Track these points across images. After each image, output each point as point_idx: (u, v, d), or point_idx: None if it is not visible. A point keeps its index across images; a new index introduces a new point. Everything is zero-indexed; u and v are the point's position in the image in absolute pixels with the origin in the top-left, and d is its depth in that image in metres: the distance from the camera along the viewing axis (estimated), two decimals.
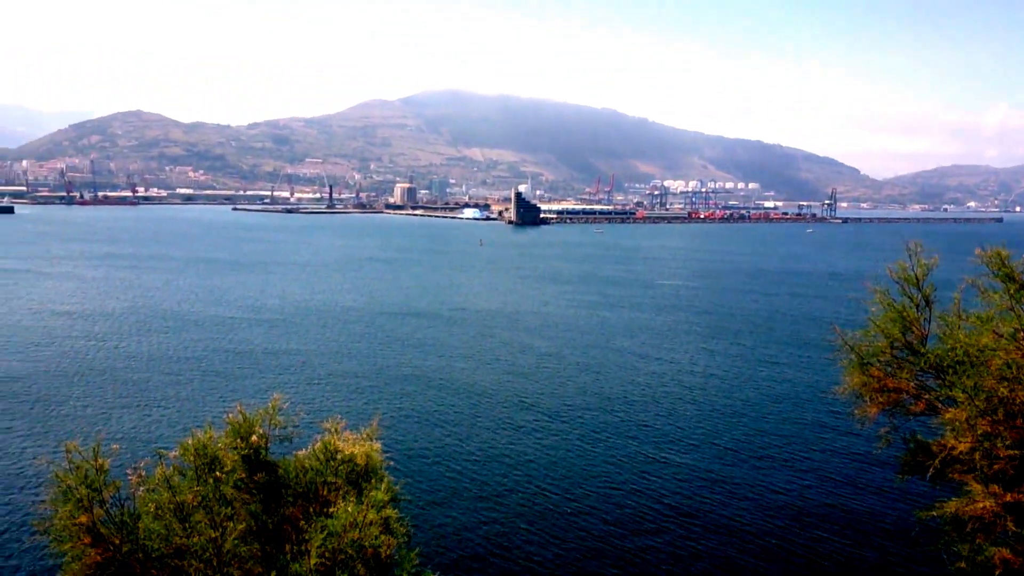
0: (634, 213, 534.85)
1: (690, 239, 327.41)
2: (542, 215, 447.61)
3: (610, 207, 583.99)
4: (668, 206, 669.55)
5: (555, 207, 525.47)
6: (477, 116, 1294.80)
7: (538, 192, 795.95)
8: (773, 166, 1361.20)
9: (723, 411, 63.05)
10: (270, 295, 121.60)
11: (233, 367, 74.13)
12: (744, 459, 51.90)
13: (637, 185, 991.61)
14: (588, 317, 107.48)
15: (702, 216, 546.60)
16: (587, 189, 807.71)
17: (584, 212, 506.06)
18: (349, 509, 16.13)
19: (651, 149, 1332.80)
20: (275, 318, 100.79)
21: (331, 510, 16.13)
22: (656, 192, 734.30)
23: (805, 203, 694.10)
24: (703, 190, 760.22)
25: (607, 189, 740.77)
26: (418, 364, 77.01)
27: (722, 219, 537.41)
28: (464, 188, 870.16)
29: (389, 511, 17.29)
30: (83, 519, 15.31)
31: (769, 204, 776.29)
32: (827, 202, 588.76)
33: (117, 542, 15.42)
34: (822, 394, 64.50)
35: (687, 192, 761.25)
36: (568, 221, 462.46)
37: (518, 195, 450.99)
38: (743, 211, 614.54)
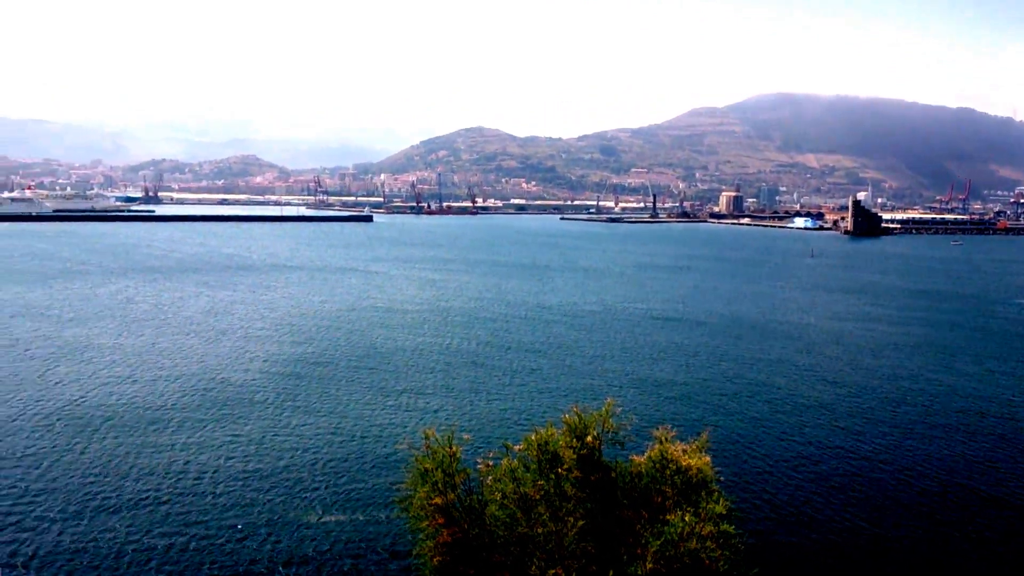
0: (994, 223, 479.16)
1: None
2: (883, 224, 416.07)
3: (965, 216, 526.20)
4: None
5: (898, 216, 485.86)
6: (810, 119, 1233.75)
7: (879, 200, 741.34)
8: None
9: None
10: (588, 300, 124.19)
11: (560, 366, 76.41)
12: None
13: (998, 192, 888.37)
14: (935, 342, 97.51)
15: None
16: (937, 197, 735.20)
17: (933, 222, 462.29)
18: (687, 519, 15.84)
19: (1018, 152, 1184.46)
20: (592, 322, 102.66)
21: (668, 518, 15.86)
22: (1022, 200, 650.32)
23: None
24: None
25: (961, 197, 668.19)
26: (741, 376, 74.65)
27: None
28: (795, 196, 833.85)
29: (726, 526, 16.59)
30: (438, 500, 16.41)
31: None
32: None
33: (466, 525, 16.35)
34: None
35: None
36: (913, 231, 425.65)
37: (856, 203, 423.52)
38: None
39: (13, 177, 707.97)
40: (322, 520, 41.25)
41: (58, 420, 56.60)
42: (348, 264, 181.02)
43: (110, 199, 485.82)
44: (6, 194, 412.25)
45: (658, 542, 14.82)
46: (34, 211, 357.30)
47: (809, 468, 50.66)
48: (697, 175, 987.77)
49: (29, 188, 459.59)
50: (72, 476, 46.35)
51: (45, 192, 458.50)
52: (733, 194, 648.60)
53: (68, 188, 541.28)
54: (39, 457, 49.43)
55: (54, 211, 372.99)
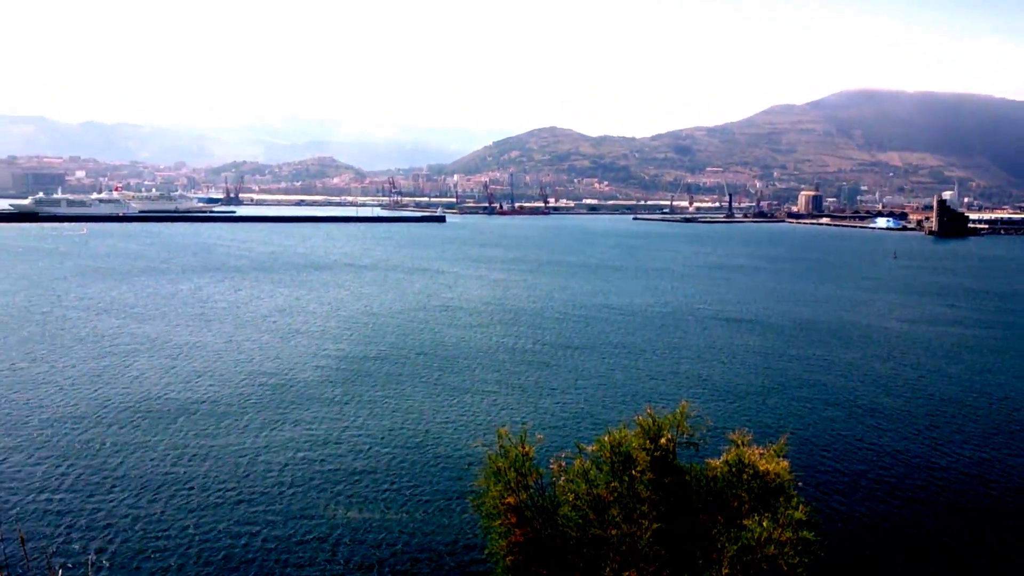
0: None
1: None
2: (970, 225, 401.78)
3: None
4: None
5: (986, 216, 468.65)
6: (893, 117, 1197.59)
7: (965, 199, 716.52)
8: None
9: None
10: (660, 301, 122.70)
11: (632, 367, 75.51)
12: None
13: None
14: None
15: None
16: None
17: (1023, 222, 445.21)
18: (764, 524, 15.26)
19: None
20: (663, 323, 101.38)
21: (745, 523, 15.31)
22: None
23: None
24: None
25: None
26: (817, 381, 72.88)
27: None
28: (877, 196, 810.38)
29: (806, 532, 15.96)
30: (510, 500, 16.28)
31: None
32: None
33: (538, 525, 16.16)
34: None
35: None
36: (1002, 232, 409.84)
37: (941, 203, 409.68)
38: None
39: (102, 179, 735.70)
40: (394, 516, 41.46)
41: (137, 414, 58.23)
42: (420, 264, 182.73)
43: (193, 200, 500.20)
44: (95, 195, 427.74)
45: (735, 547, 14.43)
46: (121, 212, 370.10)
47: (887, 477, 49.01)
48: (775, 174, 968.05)
49: (117, 189, 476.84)
50: (148, 468, 47.61)
51: (132, 194, 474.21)
52: (812, 193, 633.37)
53: (153, 190, 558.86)
54: (118, 448, 50.87)
55: (140, 212, 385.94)
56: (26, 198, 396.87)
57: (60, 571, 32.44)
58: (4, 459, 48.84)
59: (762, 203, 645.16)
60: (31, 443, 51.69)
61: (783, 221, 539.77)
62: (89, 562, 34.97)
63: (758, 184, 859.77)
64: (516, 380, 70.81)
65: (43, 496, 43.27)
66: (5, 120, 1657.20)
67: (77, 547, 37.33)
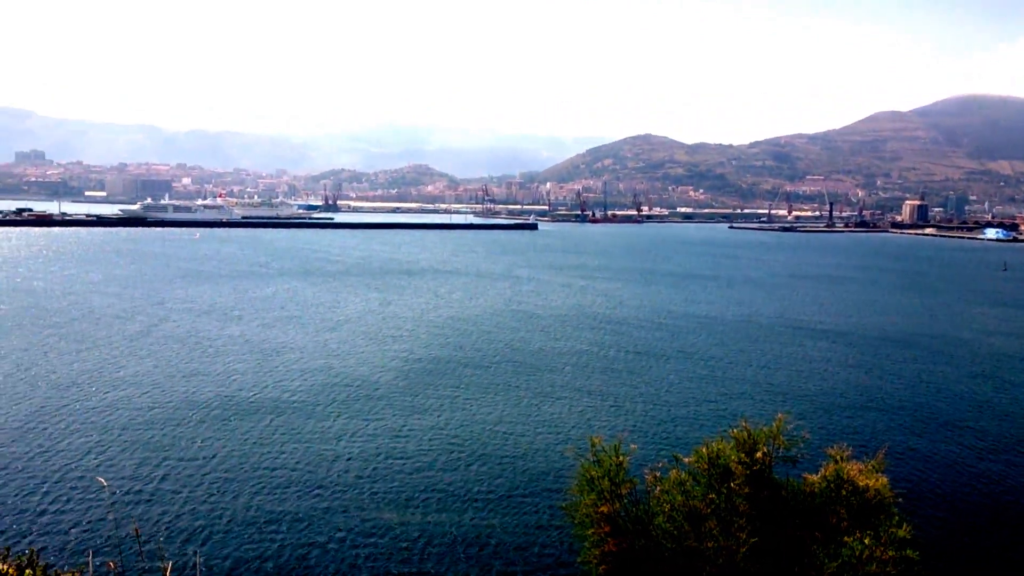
0: None
1: None
2: None
3: None
4: None
5: None
6: (1003, 124, 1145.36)
7: None
8: None
9: None
10: (755, 312, 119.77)
11: (723, 378, 73.82)
12: None
13: None
14: None
15: None
16: None
17: None
18: (866, 542, 14.61)
19: None
20: (757, 334, 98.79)
21: (845, 540, 14.67)
22: None
23: None
24: None
25: None
26: (915, 399, 69.90)
27: None
28: (986, 206, 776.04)
29: (910, 552, 15.14)
30: (604, 509, 16.04)
31: None
32: None
33: (632, 535, 15.76)
34: None
35: None
36: None
37: None
38: None
39: (207, 185, 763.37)
40: (483, 521, 41.43)
41: (234, 415, 59.75)
42: (510, 271, 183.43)
43: (293, 207, 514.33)
44: (200, 201, 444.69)
45: (835, 564, 13.90)
46: (224, 217, 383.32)
47: (989, 503, 46.28)
48: (878, 182, 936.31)
49: (221, 196, 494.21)
50: (244, 466, 48.66)
51: (235, 200, 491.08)
52: (917, 203, 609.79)
53: (256, 196, 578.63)
54: (216, 445, 52.28)
55: (243, 217, 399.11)
56: (135, 203, 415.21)
57: (170, 564, 33.29)
58: (113, 452, 50.80)
59: (864, 212, 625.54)
60: (137, 438, 53.61)
61: (886, 231, 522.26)
62: (198, 560, 35.75)
63: (860, 193, 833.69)
64: (603, 388, 70.06)
65: (150, 489, 44.79)
66: (117, 129, 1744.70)
67: (183, 542, 38.44)
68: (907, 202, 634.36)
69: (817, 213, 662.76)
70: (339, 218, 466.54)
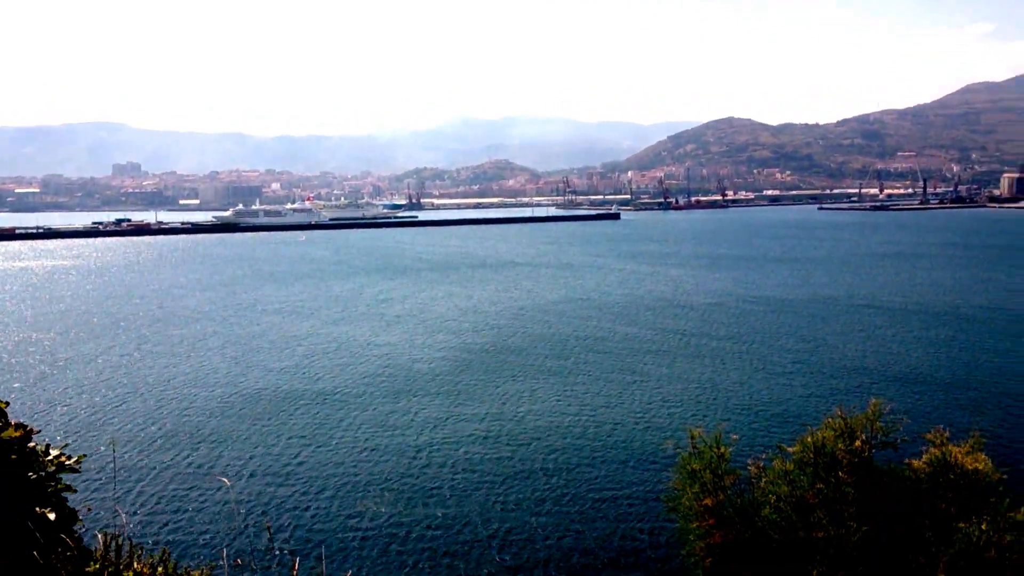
0: None
1: None
2: None
3: None
4: None
5: None
6: None
7: None
8: None
9: None
10: (848, 294, 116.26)
11: (815, 362, 71.94)
12: None
13: None
14: None
15: None
16: None
17: None
18: (984, 528, 13.98)
19: None
20: (849, 318, 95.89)
21: (960, 525, 14.13)
22: None
23: None
24: None
25: None
26: (1014, 377, 66.40)
27: None
28: None
29: None
30: (708, 501, 15.94)
31: None
32: None
33: (738, 527, 15.52)
34: None
35: None
36: None
37: None
38: None
39: (295, 190, 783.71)
40: (578, 514, 41.44)
41: (319, 411, 60.82)
42: (592, 262, 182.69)
43: (378, 207, 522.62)
44: (288, 205, 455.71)
45: (951, 551, 13.33)
46: (312, 220, 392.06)
47: None
48: (973, 156, 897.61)
49: (308, 199, 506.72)
50: (330, 459, 49.52)
51: (322, 203, 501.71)
52: (1016, 175, 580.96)
53: (342, 198, 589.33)
54: (304, 438, 53.48)
55: (330, 219, 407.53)
56: (227, 210, 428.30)
57: (297, 560, 34.07)
58: (227, 451, 52.23)
59: (960, 187, 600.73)
60: (248, 435, 55.17)
61: (984, 206, 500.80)
62: (322, 552, 36.39)
63: (955, 168, 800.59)
64: (692, 376, 69.06)
65: (271, 488, 45.65)
66: (208, 139, 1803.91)
67: (304, 541, 39.01)
68: (1005, 175, 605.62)
69: (910, 190, 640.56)
70: (423, 216, 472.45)
